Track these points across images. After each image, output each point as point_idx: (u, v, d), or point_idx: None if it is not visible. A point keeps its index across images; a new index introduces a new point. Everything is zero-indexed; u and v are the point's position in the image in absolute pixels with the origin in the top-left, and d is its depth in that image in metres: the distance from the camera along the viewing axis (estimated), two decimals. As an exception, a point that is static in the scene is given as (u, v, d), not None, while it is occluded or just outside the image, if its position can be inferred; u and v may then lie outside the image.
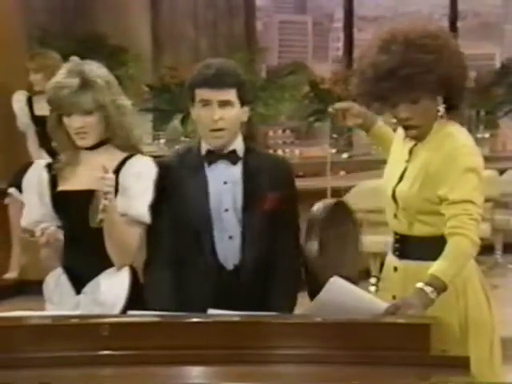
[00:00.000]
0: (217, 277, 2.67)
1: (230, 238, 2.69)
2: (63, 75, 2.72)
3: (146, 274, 2.73)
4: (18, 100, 5.86)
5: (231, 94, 2.66)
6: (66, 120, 2.73)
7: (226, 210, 2.69)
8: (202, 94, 2.66)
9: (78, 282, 2.74)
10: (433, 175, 2.57)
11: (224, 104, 2.65)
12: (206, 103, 2.65)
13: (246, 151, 2.74)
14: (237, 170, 2.71)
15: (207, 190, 2.69)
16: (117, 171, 2.71)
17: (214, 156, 2.71)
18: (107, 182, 2.57)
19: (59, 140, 2.79)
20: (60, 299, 2.77)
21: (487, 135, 8.31)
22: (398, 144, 2.76)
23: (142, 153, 2.80)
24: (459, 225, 2.47)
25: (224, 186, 2.70)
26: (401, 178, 2.66)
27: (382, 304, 2.38)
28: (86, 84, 2.69)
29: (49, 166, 2.82)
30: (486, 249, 6.34)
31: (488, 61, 11.10)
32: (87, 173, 2.70)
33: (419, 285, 2.40)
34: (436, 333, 2.15)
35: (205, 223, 2.68)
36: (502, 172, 6.42)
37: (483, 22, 12.27)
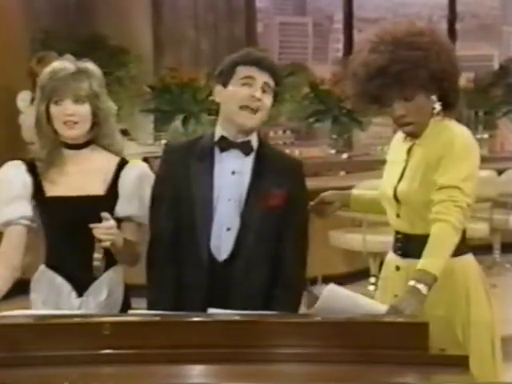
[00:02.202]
0: (209, 267, 2.62)
1: (228, 229, 2.63)
2: (58, 64, 2.70)
3: (149, 275, 2.71)
4: (23, 99, 5.90)
5: (272, 83, 2.66)
6: (55, 109, 2.66)
7: (229, 200, 2.63)
8: (248, 71, 2.63)
9: (76, 284, 2.73)
10: (433, 164, 2.59)
11: (266, 87, 2.64)
12: (250, 81, 2.62)
13: (260, 145, 2.71)
14: (247, 162, 2.67)
15: (212, 178, 2.64)
16: (117, 173, 2.73)
17: (227, 143, 2.66)
18: (107, 231, 2.56)
19: (44, 135, 2.69)
20: (57, 301, 2.74)
21: (486, 136, 8.30)
22: (397, 146, 2.78)
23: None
24: (442, 210, 2.49)
25: (231, 176, 2.65)
26: (401, 178, 2.68)
27: (380, 307, 2.38)
28: (81, 70, 2.68)
29: (30, 168, 2.73)
30: (485, 248, 6.36)
31: (486, 62, 11.12)
32: (80, 177, 2.70)
33: (411, 283, 2.42)
34: (435, 332, 2.16)
35: (204, 211, 2.62)
36: (500, 172, 6.43)
37: (481, 23, 12.29)
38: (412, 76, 2.57)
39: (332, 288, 2.34)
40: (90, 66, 2.72)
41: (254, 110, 2.62)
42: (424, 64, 2.57)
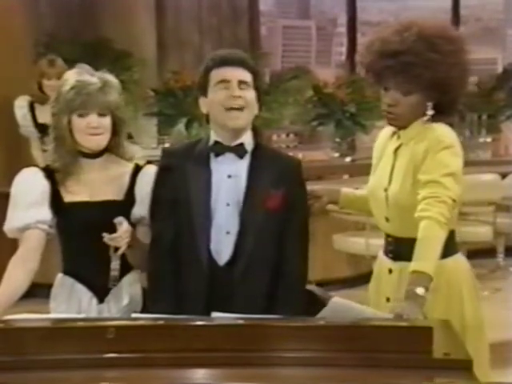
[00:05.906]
0: (208, 271, 2.63)
1: (228, 233, 2.64)
2: (80, 76, 2.69)
3: (150, 279, 2.72)
4: (21, 106, 5.79)
5: (249, 77, 2.66)
6: (79, 121, 2.67)
7: (228, 205, 2.64)
8: (220, 73, 2.64)
9: (95, 290, 2.74)
10: (419, 165, 2.58)
11: (243, 84, 2.63)
12: (225, 83, 2.63)
13: (256, 147, 2.71)
14: (243, 165, 2.67)
15: (209, 183, 2.65)
16: (133, 178, 2.76)
17: (220, 147, 2.67)
18: (123, 236, 2.61)
19: (64, 147, 2.71)
20: (78, 309, 2.73)
21: (489, 139, 8.29)
22: (383, 144, 2.77)
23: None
24: (425, 208, 2.48)
25: (227, 179, 2.65)
26: (390, 179, 2.67)
27: (384, 317, 2.37)
28: (106, 84, 2.69)
29: (47, 174, 2.75)
30: (488, 252, 6.37)
31: (490, 65, 11.09)
32: (97, 184, 2.73)
33: (408, 287, 2.40)
34: (439, 336, 2.16)
35: (202, 216, 2.63)
36: (504, 176, 6.43)
37: (485, 26, 12.27)
38: (417, 74, 2.56)
39: (337, 300, 2.32)
40: (109, 77, 2.73)
41: (239, 109, 2.62)
42: (434, 69, 2.55)
